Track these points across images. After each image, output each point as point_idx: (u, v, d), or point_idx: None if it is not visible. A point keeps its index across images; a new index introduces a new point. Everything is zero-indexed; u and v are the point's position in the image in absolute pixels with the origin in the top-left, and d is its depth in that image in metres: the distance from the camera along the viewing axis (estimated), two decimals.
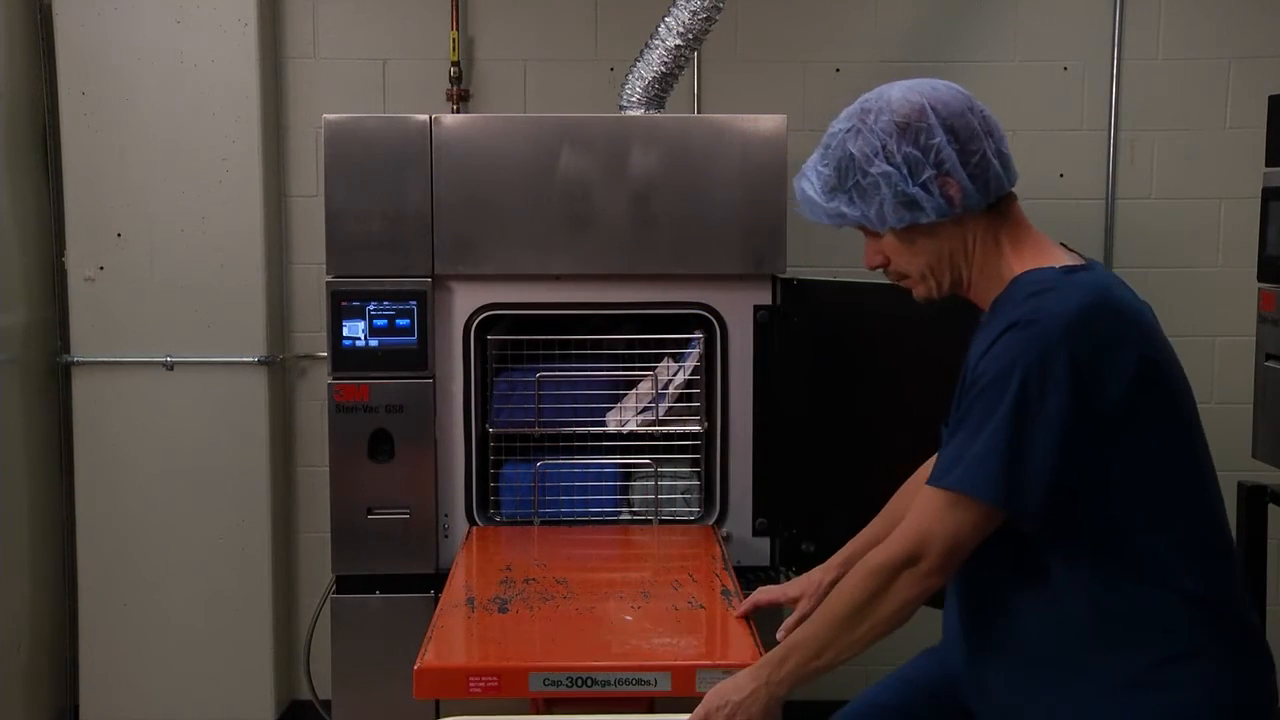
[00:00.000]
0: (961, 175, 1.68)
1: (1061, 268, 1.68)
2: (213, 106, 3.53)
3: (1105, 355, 1.58)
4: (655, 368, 3.02)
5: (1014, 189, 1.76)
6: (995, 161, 1.70)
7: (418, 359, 2.88)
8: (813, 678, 1.74)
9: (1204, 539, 1.66)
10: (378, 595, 2.93)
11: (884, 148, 1.68)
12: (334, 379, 2.89)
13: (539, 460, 2.98)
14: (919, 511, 1.67)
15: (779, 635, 2.00)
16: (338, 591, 2.95)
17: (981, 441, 1.59)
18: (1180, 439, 1.65)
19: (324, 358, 3.02)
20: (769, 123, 2.89)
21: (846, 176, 1.71)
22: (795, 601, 2.14)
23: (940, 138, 1.67)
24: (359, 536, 2.92)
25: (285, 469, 3.76)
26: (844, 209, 1.72)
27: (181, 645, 3.63)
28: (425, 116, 2.87)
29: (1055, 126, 3.71)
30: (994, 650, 1.74)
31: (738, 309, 2.93)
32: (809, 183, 1.75)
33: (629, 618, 2.25)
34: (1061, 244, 1.79)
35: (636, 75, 3.14)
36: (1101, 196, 3.74)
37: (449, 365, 2.91)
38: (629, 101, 3.15)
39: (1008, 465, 1.58)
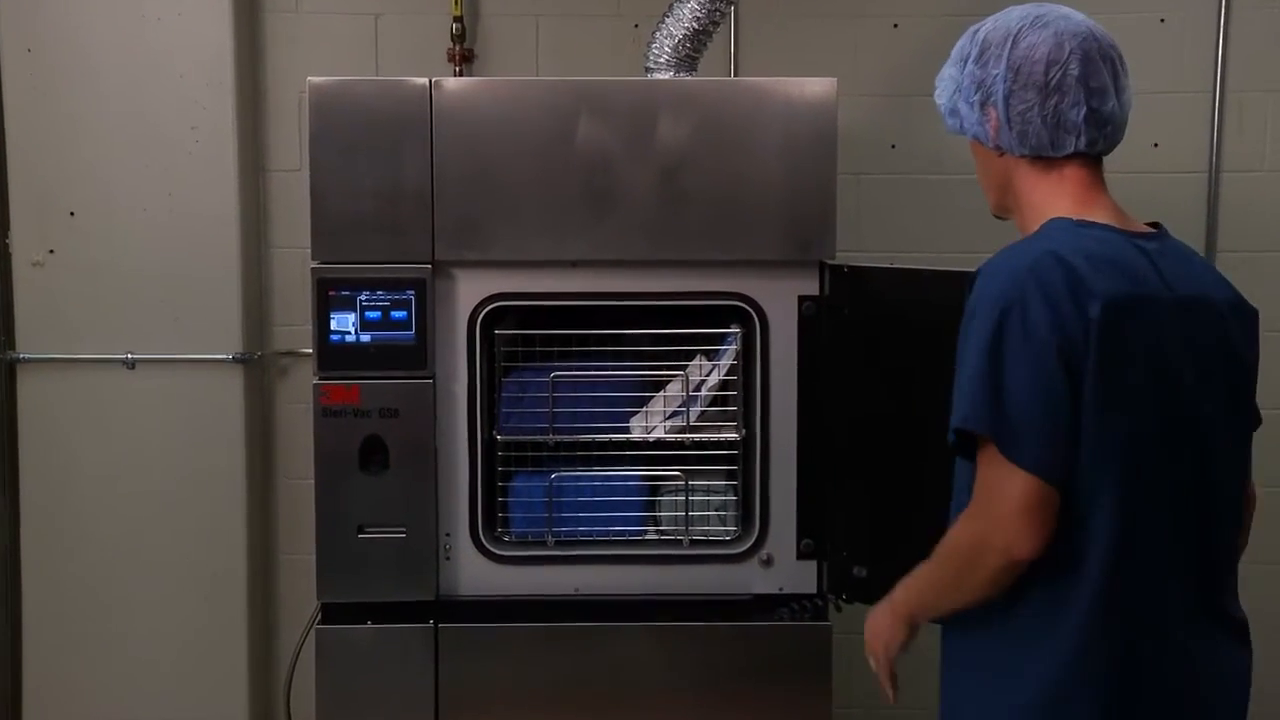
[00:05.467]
0: (1002, 114, 2.01)
1: (1076, 219, 1.95)
2: (180, 67, 3.61)
3: (1067, 301, 1.84)
4: (686, 367, 3.08)
5: (1084, 154, 2.01)
6: (1042, 121, 1.98)
7: (415, 356, 2.94)
8: (925, 615, 2.10)
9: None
10: (369, 625, 2.99)
11: (967, 56, 2.06)
12: (320, 379, 2.94)
13: (553, 472, 3.06)
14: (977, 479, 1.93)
15: None
16: (323, 621, 3.01)
17: (970, 380, 1.88)
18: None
19: (308, 355, 3.08)
20: (816, 87, 2.93)
21: (947, 63, 2.11)
22: None
23: (1000, 70, 2.00)
24: (348, 559, 2.97)
25: (264, 481, 3.85)
26: (936, 87, 2.14)
27: (144, 683, 3.72)
28: (424, 80, 2.91)
29: (1148, 89, 3.67)
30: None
31: (780, 300, 2.98)
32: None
33: None
34: (1154, 224, 2.03)
35: (665, 33, 3.19)
36: (1203, 169, 3.80)
37: (451, 364, 2.98)
38: (656, 63, 3.20)
39: (992, 401, 1.85)
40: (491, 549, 3.04)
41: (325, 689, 3.02)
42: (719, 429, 3.11)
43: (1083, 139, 2.00)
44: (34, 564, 3.74)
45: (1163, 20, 3.78)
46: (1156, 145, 3.78)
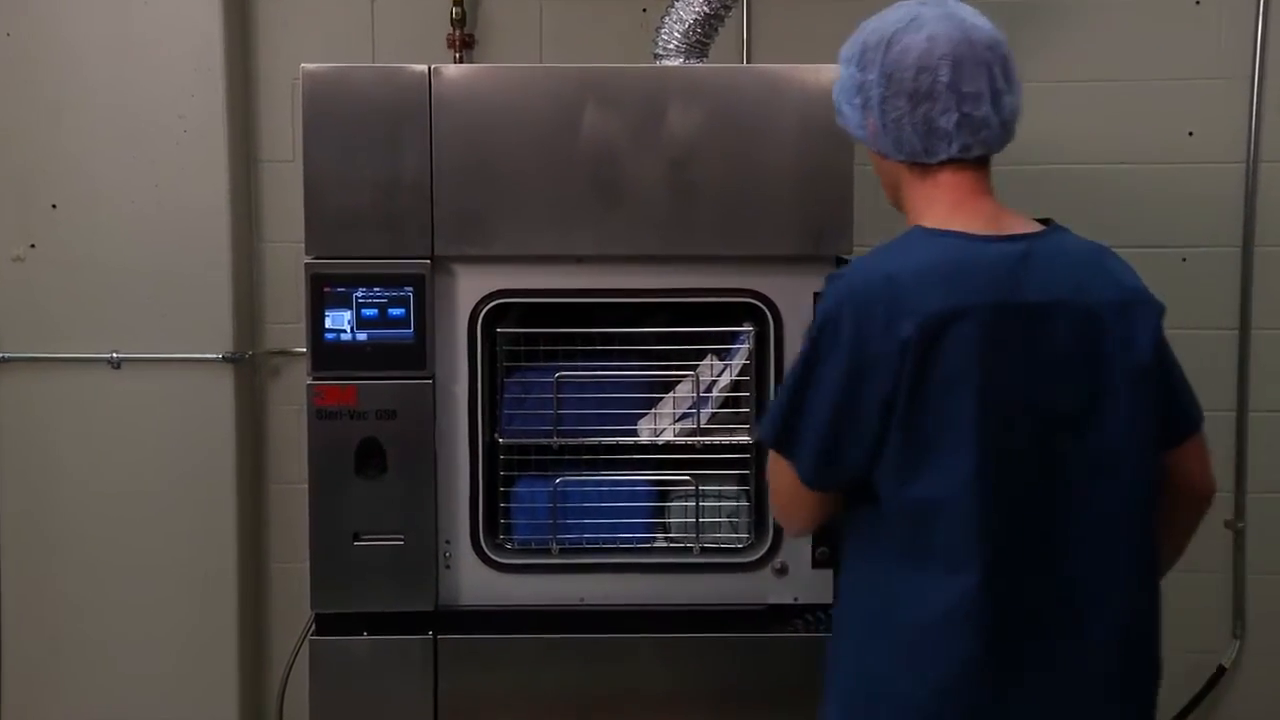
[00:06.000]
0: (878, 119, 2.10)
1: (930, 228, 2.05)
2: (167, 53, 3.66)
3: (880, 323, 1.97)
4: (696, 367, 3.11)
5: (960, 159, 2.10)
6: (912, 128, 2.07)
7: (414, 356, 2.97)
8: None
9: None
10: (365, 637, 3.03)
11: (851, 57, 2.15)
12: (314, 379, 2.97)
13: (558, 476, 3.09)
14: None
15: None
16: (317, 632, 3.04)
17: (782, 388, 2.11)
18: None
19: (302, 354, 3.09)
20: (833, 74, 2.90)
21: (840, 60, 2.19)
22: None
23: (875, 76, 2.08)
24: (343, 567, 3.00)
25: (255, 486, 3.89)
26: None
27: (129, 697, 3.77)
28: (423, 67, 2.94)
29: (1183, 74, 3.79)
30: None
31: (795, 296, 2.99)
32: None
33: None
34: (1045, 220, 2.12)
35: (674, 18, 3.23)
36: (1241, 159, 3.82)
37: (451, 363, 3.01)
38: (665, 49, 3.24)
39: (786, 414, 2.07)
40: (493, 557, 3.07)
41: (319, 703, 3.06)
42: (731, 432, 3.14)
43: (955, 145, 2.08)
44: (14, 571, 3.79)
45: (1198, 2, 3.80)
46: (1191, 134, 3.81)
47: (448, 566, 3.06)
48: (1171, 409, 2.13)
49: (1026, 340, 2.00)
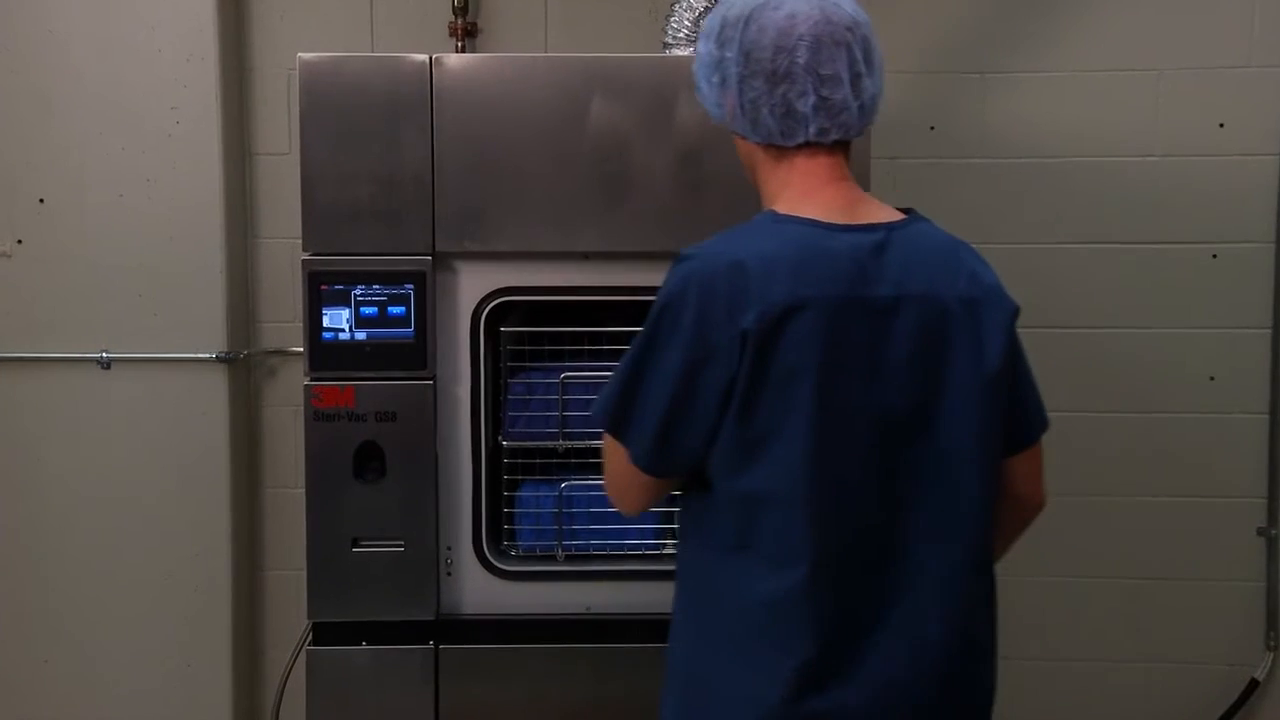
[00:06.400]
0: (736, 99, 2.10)
1: (781, 214, 2.09)
2: (159, 42, 3.67)
3: (722, 311, 1.97)
4: None
5: (817, 143, 2.10)
6: (769, 110, 2.07)
7: (415, 356, 2.98)
8: None
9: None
10: (364, 647, 3.04)
11: (710, 33, 2.14)
12: (311, 380, 2.98)
13: (563, 480, 3.10)
14: None
15: None
16: (314, 642, 3.05)
17: (618, 370, 2.10)
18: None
19: (299, 354, 3.14)
20: None
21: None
22: None
23: (734, 54, 2.08)
24: (341, 574, 3.02)
25: (250, 491, 3.90)
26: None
27: (120, 710, 3.78)
28: (424, 57, 2.96)
29: (1213, 63, 3.79)
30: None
31: None
32: None
33: None
34: (906, 210, 2.12)
35: (685, 6, 3.25)
36: (1273, 152, 3.82)
37: (453, 364, 3.02)
38: (675, 38, 3.25)
39: (621, 398, 2.08)
40: (497, 564, 3.08)
41: (316, 715, 3.07)
42: None
43: (812, 128, 2.07)
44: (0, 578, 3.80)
45: None
46: (1222, 126, 3.81)
47: (449, 574, 3.07)
48: (1016, 415, 2.12)
49: (869, 336, 2.00)
